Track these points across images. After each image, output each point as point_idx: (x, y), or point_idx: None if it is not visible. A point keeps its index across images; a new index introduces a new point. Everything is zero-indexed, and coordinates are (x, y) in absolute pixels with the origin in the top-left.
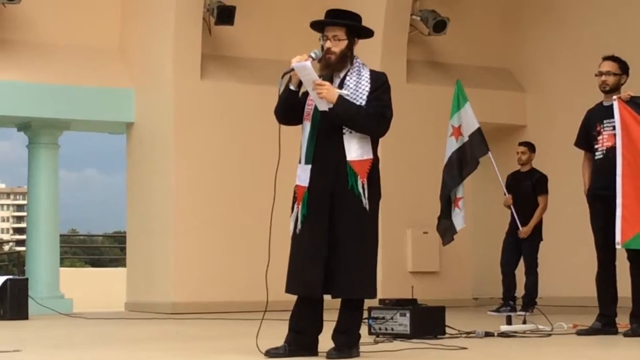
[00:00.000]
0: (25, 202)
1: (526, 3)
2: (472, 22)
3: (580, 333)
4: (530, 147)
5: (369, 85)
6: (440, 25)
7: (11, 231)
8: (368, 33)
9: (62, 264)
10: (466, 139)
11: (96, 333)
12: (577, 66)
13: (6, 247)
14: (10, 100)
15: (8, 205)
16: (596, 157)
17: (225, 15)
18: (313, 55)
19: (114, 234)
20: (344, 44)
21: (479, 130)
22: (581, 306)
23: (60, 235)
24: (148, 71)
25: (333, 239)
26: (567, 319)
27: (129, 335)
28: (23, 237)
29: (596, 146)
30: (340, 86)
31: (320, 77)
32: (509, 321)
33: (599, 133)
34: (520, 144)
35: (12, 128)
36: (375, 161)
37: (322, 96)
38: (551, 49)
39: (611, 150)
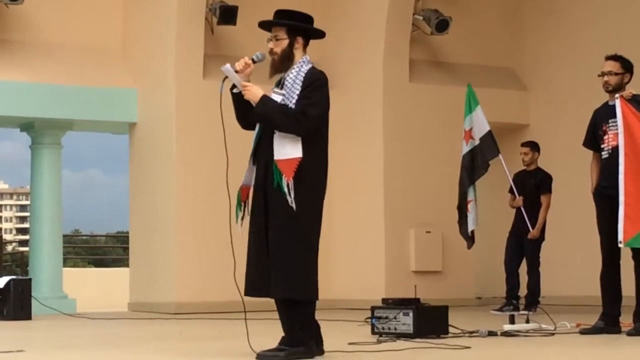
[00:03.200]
0: (28, 202)
1: (529, 2)
2: (475, 21)
3: (584, 332)
4: (533, 146)
5: (301, 84)
6: (442, 25)
7: (14, 231)
8: (316, 33)
9: (65, 264)
10: (477, 142)
11: (99, 333)
12: (580, 65)
13: (9, 248)
14: (13, 100)
15: (11, 205)
16: (602, 157)
17: (228, 15)
18: (255, 57)
19: (117, 234)
20: (284, 43)
21: (489, 132)
22: (584, 305)
23: (63, 236)
24: (151, 71)
25: (267, 239)
26: (571, 318)
27: (132, 336)
28: (26, 237)
29: (602, 146)
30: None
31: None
32: (512, 320)
33: (605, 133)
34: (523, 144)
35: (15, 128)
36: (307, 159)
37: (246, 97)
38: (554, 48)
39: (616, 150)
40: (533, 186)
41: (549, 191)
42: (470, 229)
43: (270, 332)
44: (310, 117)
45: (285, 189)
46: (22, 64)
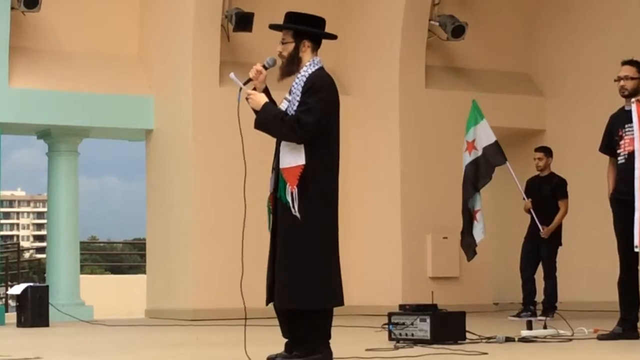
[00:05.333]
0: (45, 209)
1: (545, 7)
2: (491, 27)
3: (602, 338)
4: (547, 151)
5: (301, 89)
6: (458, 31)
7: (31, 238)
8: (325, 35)
9: (82, 271)
10: (480, 152)
11: (116, 340)
12: (596, 70)
13: (27, 255)
14: (30, 108)
15: (28, 212)
16: (619, 162)
17: (244, 22)
18: (266, 64)
19: (134, 240)
20: (291, 46)
21: (495, 143)
22: (602, 311)
23: (80, 242)
24: (167, 78)
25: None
26: (588, 323)
27: (149, 342)
28: (43, 244)
29: (618, 151)
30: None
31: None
32: (529, 326)
33: (621, 138)
34: (537, 149)
35: (32, 136)
36: (312, 166)
37: (250, 105)
38: (570, 53)
39: (633, 155)
40: (548, 192)
41: (566, 196)
42: (479, 238)
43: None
44: (304, 124)
45: (289, 198)
46: (39, 72)
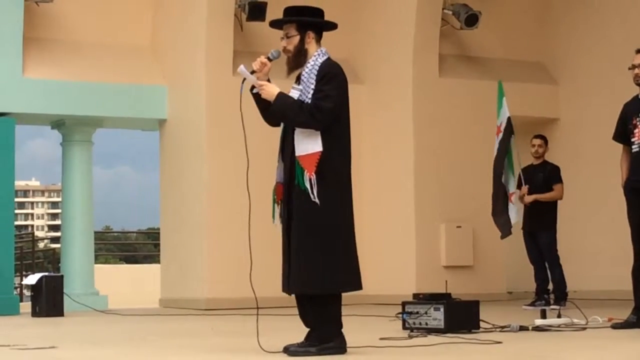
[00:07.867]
0: (59, 199)
1: None
2: (504, 15)
3: (616, 327)
4: (545, 140)
5: (315, 77)
6: (472, 19)
7: (46, 228)
8: (327, 25)
9: (96, 261)
10: (502, 134)
11: (131, 329)
12: (610, 58)
13: (41, 245)
14: (44, 98)
15: (43, 202)
16: (633, 150)
17: (257, 12)
18: (270, 55)
19: (148, 230)
20: (296, 39)
21: (509, 119)
22: (616, 299)
23: (95, 232)
24: (180, 68)
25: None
26: (602, 312)
27: (163, 332)
28: (58, 234)
29: (632, 139)
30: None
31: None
32: (543, 315)
33: (635, 126)
34: (536, 136)
35: (46, 126)
36: (328, 153)
37: (263, 96)
38: (584, 42)
39: None
40: (541, 179)
41: (560, 181)
42: (514, 221)
43: (300, 327)
44: (323, 110)
45: (307, 185)
46: (53, 62)
